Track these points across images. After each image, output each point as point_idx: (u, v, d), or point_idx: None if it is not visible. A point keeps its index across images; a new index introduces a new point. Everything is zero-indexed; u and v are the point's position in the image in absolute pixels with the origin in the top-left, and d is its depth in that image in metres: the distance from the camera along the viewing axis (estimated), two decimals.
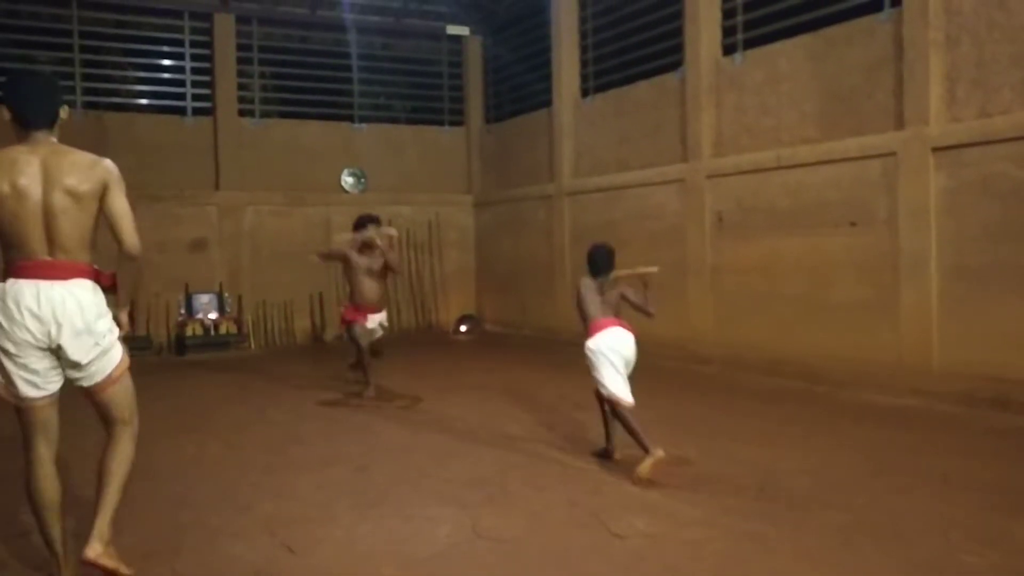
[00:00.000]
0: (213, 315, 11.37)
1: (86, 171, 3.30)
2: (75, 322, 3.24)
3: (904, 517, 4.09)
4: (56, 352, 3.26)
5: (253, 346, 11.68)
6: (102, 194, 3.32)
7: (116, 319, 3.47)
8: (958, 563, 3.51)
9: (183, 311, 11.33)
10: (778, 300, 8.26)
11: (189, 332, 11.13)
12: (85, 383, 3.36)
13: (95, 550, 3.31)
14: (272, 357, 10.96)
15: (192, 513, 4.36)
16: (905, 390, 6.94)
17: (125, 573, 3.39)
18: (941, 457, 5.20)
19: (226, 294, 11.68)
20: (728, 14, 9.00)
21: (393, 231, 7.97)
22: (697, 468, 5.06)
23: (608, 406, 5.20)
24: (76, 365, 3.30)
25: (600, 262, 5.30)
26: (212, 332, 11.27)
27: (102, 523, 3.36)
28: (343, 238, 8.10)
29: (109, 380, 3.39)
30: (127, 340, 3.57)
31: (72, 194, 3.25)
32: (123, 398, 3.47)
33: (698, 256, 9.16)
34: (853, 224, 7.52)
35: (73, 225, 3.27)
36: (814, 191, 7.89)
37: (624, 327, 5.16)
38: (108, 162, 3.38)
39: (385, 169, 12.99)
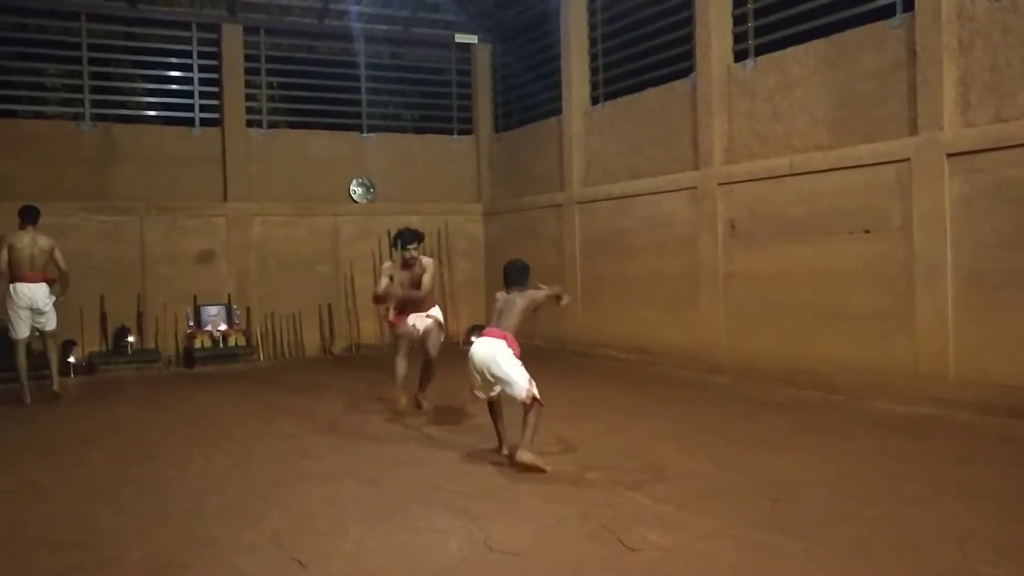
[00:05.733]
0: (222, 327, 11.35)
1: (46, 243, 8.33)
2: (43, 298, 8.34)
3: (920, 527, 4.02)
4: (33, 311, 8.30)
5: (262, 358, 11.63)
6: (52, 250, 8.36)
7: (56, 300, 8.51)
8: (975, 573, 3.44)
9: (191, 323, 11.32)
10: (791, 309, 8.18)
11: (198, 344, 11.11)
12: (47, 327, 8.49)
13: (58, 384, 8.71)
14: (281, 369, 10.93)
15: (201, 527, 4.33)
16: (921, 399, 6.86)
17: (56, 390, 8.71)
18: (957, 466, 5.12)
19: (235, 306, 11.66)
20: (739, 20, 8.94)
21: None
22: (711, 479, 5.00)
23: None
24: (41, 313, 8.34)
25: (511, 276, 5.97)
26: (221, 344, 11.25)
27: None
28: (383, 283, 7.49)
29: (54, 324, 8.63)
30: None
31: (41, 249, 8.31)
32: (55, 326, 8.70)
33: (710, 264, 9.09)
34: (867, 231, 7.45)
35: (40, 261, 8.31)
36: (827, 198, 7.82)
37: (500, 337, 5.58)
38: (53, 240, 8.40)
39: (394, 179, 12.97)
